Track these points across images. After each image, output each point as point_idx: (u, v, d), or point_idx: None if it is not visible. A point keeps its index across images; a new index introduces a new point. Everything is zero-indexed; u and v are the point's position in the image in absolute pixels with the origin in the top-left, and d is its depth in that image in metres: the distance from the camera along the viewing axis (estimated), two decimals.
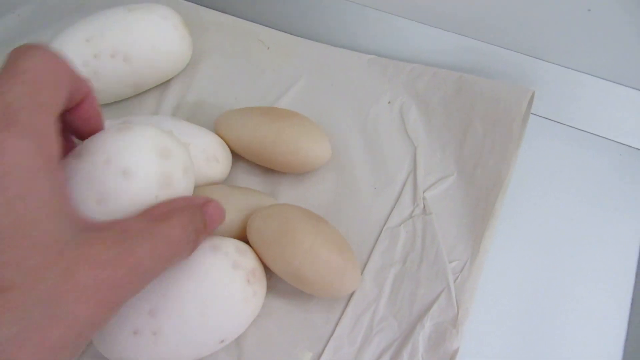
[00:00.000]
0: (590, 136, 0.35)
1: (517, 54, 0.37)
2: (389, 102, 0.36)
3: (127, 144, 0.25)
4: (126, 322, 0.25)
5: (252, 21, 0.41)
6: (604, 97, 0.36)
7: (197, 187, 0.30)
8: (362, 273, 0.30)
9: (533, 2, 0.35)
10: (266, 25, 0.40)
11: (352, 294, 0.30)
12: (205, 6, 0.41)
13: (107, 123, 0.31)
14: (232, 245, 0.27)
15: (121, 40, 0.34)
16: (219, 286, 0.26)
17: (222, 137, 0.33)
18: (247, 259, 0.27)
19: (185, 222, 0.23)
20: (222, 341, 0.27)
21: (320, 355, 0.28)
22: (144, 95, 0.38)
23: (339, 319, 0.29)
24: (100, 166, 0.25)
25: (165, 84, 0.38)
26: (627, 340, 0.29)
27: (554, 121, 0.36)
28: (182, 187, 0.27)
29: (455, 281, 0.29)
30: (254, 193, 0.32)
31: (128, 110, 0.37)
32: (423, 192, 0.32)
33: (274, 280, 0.30)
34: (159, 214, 0.23)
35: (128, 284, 0.20)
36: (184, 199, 0.25)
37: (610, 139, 0.35)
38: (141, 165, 0.25)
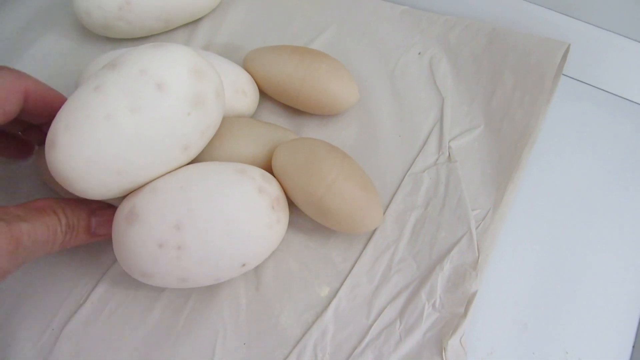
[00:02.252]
0: (620, 100, 0.35)
1: (549, 11, 0.37)
2: (419, 53, 0.36)
3: (163, 57, 0.25)
4: (151, 235, 0.25)
5: None
6: (636, 60, 0.35)
7: (224, 118, 0.30)
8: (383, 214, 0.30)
9: None
10: None
11: (372, 234, 0.30)
12: None
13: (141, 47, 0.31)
14: (258, 172, 0.27)
15: None
16: (244, 208, 0.26)
17: (250, 74, 0.33)
18: (272, 186, 0.27)
19: (60, 218, 0.25)
20: (243, 265, 0.27)
21: (337, 290, 0.28)
22: (173, 32, 0.38)
23: (358, 256, 0.29)
24: (135, 76, 0.25)
25: (194, 23, 0.38)
26: None
27: (584, 82, 0.35)
28: (213, 109, 0.27)
29: (477, 227, 0.29)
30: (279, 129, 0.31)
31: None
32: (449, 142, 0.32)
33: (295, 216, 0.30)
34: (39, 206, 0.25)
35: (7, 254, 0.22)
36: (70, 202, 0.26)
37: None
38: (175, 80, 0.25)
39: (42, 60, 0.37)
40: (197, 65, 0.26)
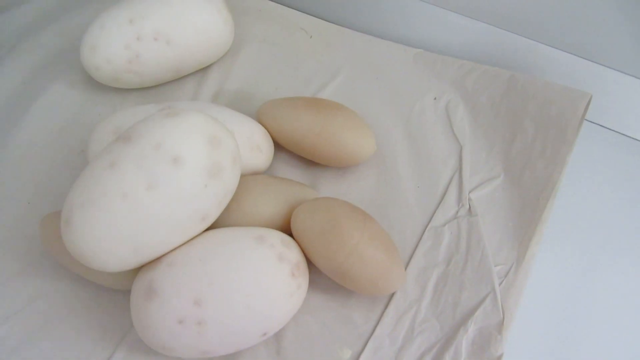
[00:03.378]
0: None
1: (571, 56, 0.36)
2: (435, 99, 0.35)
3: (178, 129, 0.25)
4: (171, 311, 0.24)
5: (295, 9, 0.40)
6: None
7: (240, 177, 0.29)
8: None
9: (590, 5, 0.34)
10: (309, 14, 0.39)
11: (392, 295, 0.29)
12: None
13: (151, 107, 0.31)
14: (278, 237, 0.27)
15: (165, 22, 0.33)
16: (264, 278, 0.25)
17: (264, 126, 0.33)
18: (292, 252, 0.27)
19: None
20: (264, 334, 0.26)
21: (360, 353, 0.28)
22: (183, 80, 0.37)
23: (380, 317, 0.29)
24: (150, 151, 0.24)
25: (204, 70, 0.37)
26: None
27: (606, 127, 0.35)
28: (230, 177, 0.26)
29: (500, 285, 0.29)
30: (297, 185, 0.31)
31: (167, 95, 0.36)
32: (469, 193, 0.32)
33: (314, 275, 0.29)
34: None
35: None
36: None
37: None
38: (191, 152, 0.24)
39: (51, 110, 0.36)
40: (212, 133, 0.25)
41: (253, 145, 0.31)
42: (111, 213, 0.23)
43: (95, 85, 0.37)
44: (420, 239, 0.31)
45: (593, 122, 0.35)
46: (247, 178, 0.30)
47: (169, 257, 0.25)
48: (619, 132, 0.34)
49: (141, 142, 0.24)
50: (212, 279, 0.25)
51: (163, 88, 0.37)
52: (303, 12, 0.40)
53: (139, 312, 0.25)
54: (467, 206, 0.31)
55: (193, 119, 0.25)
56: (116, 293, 0.30)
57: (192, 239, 0.26)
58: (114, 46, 0.33)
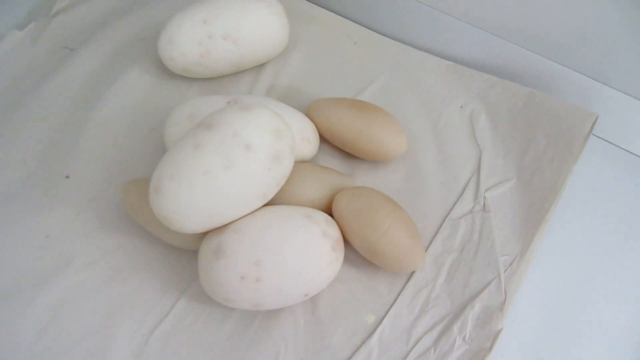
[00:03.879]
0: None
1: (584, 77, 0.41)
2: (461, 107, 0.40)
3: (251, 122, 0.30)
4: (235, 269, 0.30)
5: (343, 17, 0.45)
6: None
7: None
8: None
9: (607, 32, 0.38)
10: (355, 22, 0.44)
11: (412, 273, 0.35)
12: None
13: (219, 98, 0.36)
14: (322, 217, 0.32)
15: (233, 24, 0.38)
16: (310, 249, 0.31)
17: (313, 121, 0.38)
18: (333, 230, 0.32)
19: None
20: (305, 295, 0.32)
21: (382, 319, 0.33)
22: (242, 74, 0.42)
23: (401, 291, 0.34)
24: (228, 138, 0.29)
25: (260, 66, 0.43)
26: None
27: (612, 143, 0.39)
28: (287, 163, 0.32)
29: (505, 272, 0.34)
30: (337, 173, 0.36)
31: (227, 87, 0.42)
32: (484, 192, 0.37)
33: (348, 251, 0.34)
34: None
35: None
36: None
37: None
38: (261, 141, 0.30)
39: (126, 94, 0.42)
40: (277, 127, 0.31)
41: (303, 137, 0.36)
42: (193, 186, 0.29)
43: (166, 73, 0.42)
44: (440, 228, 0.36)
45: (600, 137, 0.39)
46: (297, 165, 0.35)
47: (235, 224, 0.31)
48: (622, 148, 0.39)
49: (221, 131, 0.29)
50: (269, 245, 0.30)
51: (223, 80, 0.42)
52: (350, 20, 0.44)
53: (207, 268, 0.31)
54: (482, 203, 0.36)
55: (263, 114, 0.30)
56: (181, 251, 0.36)
57: (253, 211, 0.31)
58: (189, 42, 0.38)
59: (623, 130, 0.39)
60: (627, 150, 0.39)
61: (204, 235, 0.33)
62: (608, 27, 0.37)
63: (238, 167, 0.29)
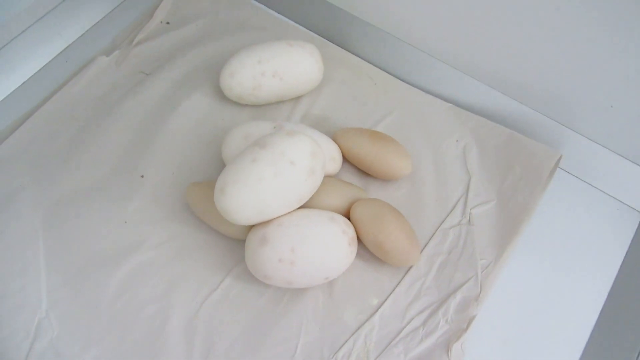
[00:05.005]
0: (605, 196, 0.49)
1: (557, 123, 0.51)
2: (457, 140, 0.50)
3: (295, 144, 0.40)
4: (275, 253, 0.39)
5: (367, 61, 0.55)
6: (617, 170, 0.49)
7: None
8: None
9: (578, 86, 0.48)
10: (376, 66, 0.55)
11: (409, 268, 0.44)
12: (336, 44, 0.56)
13: (267, 123, 0.46)
14: (342, 220, 0.42)
15: (281, 65, 0.49)
16: (332, 242, 0.40)
17: (338, 145, 0.48)
18: (350, 230, 0.42)
19: None
20: (326, 278, 0.41)
21: (383, 302, 0.43)
22: (282, 104, 0.52)
23: (400, 281, 0.44)
24: (278, 156, 0.39)
25: (297, 98, 0.53)
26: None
27: (577, 177, 0.49)
28: (319, 176, 0.41)
29: (481, 272, 0.43)
30: (355, 187, 0.46)
31: (271, 113, 0.52)
32: (470, 209, 0.46)
33: (360, 248, 0.44)
34: None
35: None
36: None
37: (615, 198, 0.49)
38: (301, 159, 0.40)
39: (190, 113, 0.52)
40: (313, 149, 0.40)
41: (330, 157, 0.46)
42: (250, 189, 0.38)
43: (223, 98, 0.52)
44: (433, 235, 0.46)
45: (567, 172, 0.49)
46: (324, 179, 0.45)
47: (278, 220, 0.40)
48: (585, 182, 0.49)
49: (272, 149, 0.39)
50: (302, 237, 0.40)
51: (267, 107, 0.52)
52: (372, 64, 0.55)
53: (253, 253, 0.40)
54: (468, 218, 0.46)
55: (304, 139, 0.40)
56: (229, 240, 0.45)
57: (291, 211, 0.41)
58: (245, 76, 0.48)
59: (586, 168, 0.49)
60: (589, 184, 0.49)
61: (249, 228, 0.42)
62: (581, 82, 0.47)
63: (283, 177, 0.39)
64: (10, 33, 0.54)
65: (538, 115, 0.51)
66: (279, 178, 0.39)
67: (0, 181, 0.48)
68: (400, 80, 0.54)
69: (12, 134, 0.50)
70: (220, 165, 0.49)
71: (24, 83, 0.54)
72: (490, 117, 0.52)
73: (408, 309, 0.43)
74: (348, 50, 0.56)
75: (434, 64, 0.55)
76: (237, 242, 0.45)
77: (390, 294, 0.43)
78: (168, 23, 0.58)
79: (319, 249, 0.40)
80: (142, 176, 0.48)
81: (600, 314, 0.43)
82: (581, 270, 0.45)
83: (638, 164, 0.48)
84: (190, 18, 0.58)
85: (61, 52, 0.56)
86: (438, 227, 0.46)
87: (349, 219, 0.43)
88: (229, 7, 0.60)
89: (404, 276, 0.44)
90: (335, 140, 0.48)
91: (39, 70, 0.54)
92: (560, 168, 0.49)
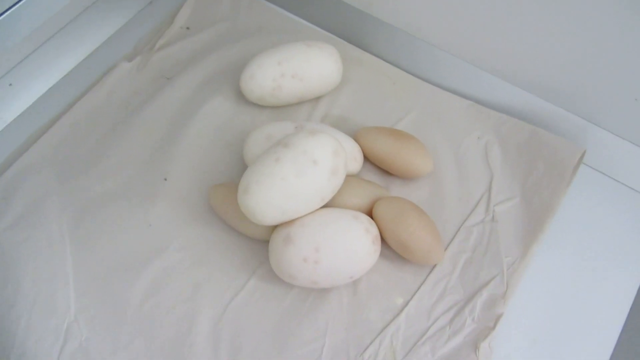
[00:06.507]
0: (630, 191, 0.48)
1: (580, 118, 0.50)
2: (478, 138, 0.50)
3: (317, 143, 0.40)
4: (299, 253, 0.39)
5: (386, 61, 0.55)
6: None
7: None
8: None
9: (599, 80, 0.48)
10: (395, 66, 0.55)
11: (434, 266, 0.44)
12: (354, 44, 0.57)
13: (288, 123, 0.46)
14: (366, 218, 0.42)
15: (300, 66, 0.49)
16: (356, 241, 0.40)
17: (359, 144, 0.48)
18: (374, 229, 0.42)
19: None
20: (351, 277, 0.41)
21: (408, 301, 0.43)
22: (302, 104, 0.53)
23: (424, 280, 0.43)
24: (300, 155, 0.39)
25: (317, 99, 0.53)
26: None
27: (601, 172, 0.49)
28: (341, 175, 0.41)
29: (507, 270, 0.43)
30: (377, 186, 0.46)
31: (290, 114, 0.52)
32: (494, 206, 0.46)
33: (383, 247, 0.44)
34: None
35: None
36: None
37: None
38: (324, 158, 0.40)
39: (211, 116, 0.52)
40: (336, 148, 0.40)
41: (351, 156, 0.46)
42: (273, 188, 0.39)
43: (243, 100, 0.53)
44: (456, 233, 0.45)
45: (591, 167, 0.48)
46: (347, 178, 0.45)
47: (301, 219, 0.41)
48: (610, 177, 0.48)
49: (295, 149, 0.40)
50: (326, 236, 0.40)
51: (288, 108, 0.52)
52: (391, 64, 0.55)
53: (277, 252, 0.41)
54: (492, 215, 0.46)
55: (326, 138, 0.40)
56: (252, 241, 0.45)
57: (314, 211, 0.41)
58: (265, 78, 0.49)
59: (610, 163, 0.49)
60: (614, 179, 0.48)
61: (272, 228, 0.43)
62: (603, 76, 0.46)
63: (306, 176, 0.39)
64: (33, 42, 0.56)
65: (560, 110, 0.50)
66: (301, 177, 0.39)
67: (27, 187, 0.49)
68: (419, 78, 0.54)
69: (38, 140, 0.51)
70: (242, 167, 0.49)
71: (48, 90, 0.55)
72: (512, 113, 0.51)
73: (434, 308, 0.42)
74: (366, 51, 0.56)
75: (453, 62, 0.55)
76: (260, 243, 0.45)
77: (415, 293, 0.43)
78: (188, 28, 0.59)
79: (343, 247, 0.40)
80: (166, 179, 0.49)
81: (629, 311, 0.43)
82: (608, 266, 0.45)
83: None
84: (210, 23, 0.59)
85: (84, 59, 0.57)
86: (461, 225, 0.46)
87: (372, 218, 0.43)
88: (247, 11, 0.60)
89: (428, 275, 0.44)
90: (355, 140, 0.48)
91: (63, 77, 0.56)
92: (584, 163, 0.49)
